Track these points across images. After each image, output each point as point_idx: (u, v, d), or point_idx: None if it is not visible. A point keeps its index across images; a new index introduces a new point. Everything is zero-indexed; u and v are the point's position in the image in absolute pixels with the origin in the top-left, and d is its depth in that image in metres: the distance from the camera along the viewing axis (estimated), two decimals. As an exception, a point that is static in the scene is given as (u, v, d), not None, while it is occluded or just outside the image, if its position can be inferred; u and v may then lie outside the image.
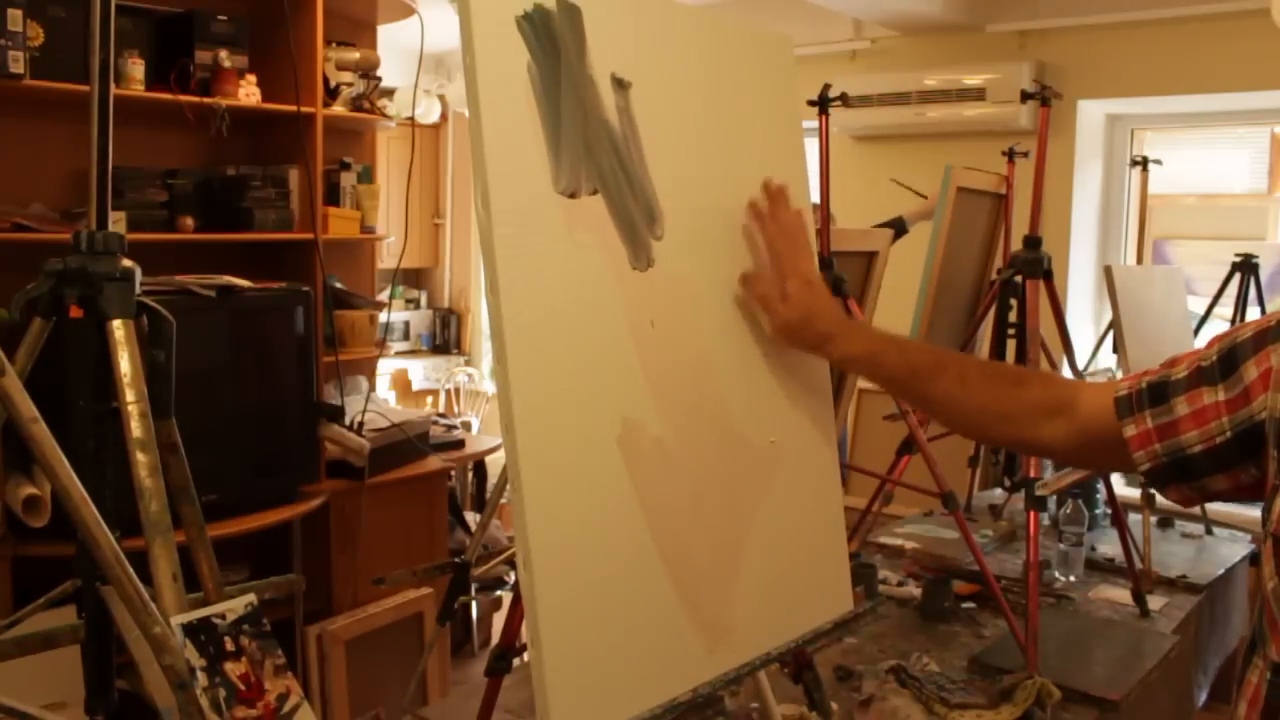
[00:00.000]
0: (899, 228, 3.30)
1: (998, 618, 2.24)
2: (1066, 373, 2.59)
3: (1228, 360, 1.01)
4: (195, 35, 3.00)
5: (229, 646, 1.25)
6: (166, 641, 1.14)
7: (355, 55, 3.40)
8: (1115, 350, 2.69)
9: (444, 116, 6.31)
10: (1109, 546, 2.75)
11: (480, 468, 4.92)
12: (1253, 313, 3.43)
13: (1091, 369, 3.06)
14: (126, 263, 1.33)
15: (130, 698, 1.52)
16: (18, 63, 2.53)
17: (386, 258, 4.55)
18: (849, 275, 2.20)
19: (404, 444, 3.50)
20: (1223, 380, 1.01)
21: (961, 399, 1.23)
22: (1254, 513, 3.22)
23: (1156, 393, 1.06)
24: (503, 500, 1.58)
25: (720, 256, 1.29)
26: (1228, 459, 1.02)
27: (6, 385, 1.12)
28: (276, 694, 1.26)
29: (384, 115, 3.52)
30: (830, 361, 1.34)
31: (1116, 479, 3.01)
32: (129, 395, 1.26)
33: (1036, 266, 2.22)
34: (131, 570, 1.14)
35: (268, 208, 3.15)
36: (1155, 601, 2.41)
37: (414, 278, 6.82)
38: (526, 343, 1.01)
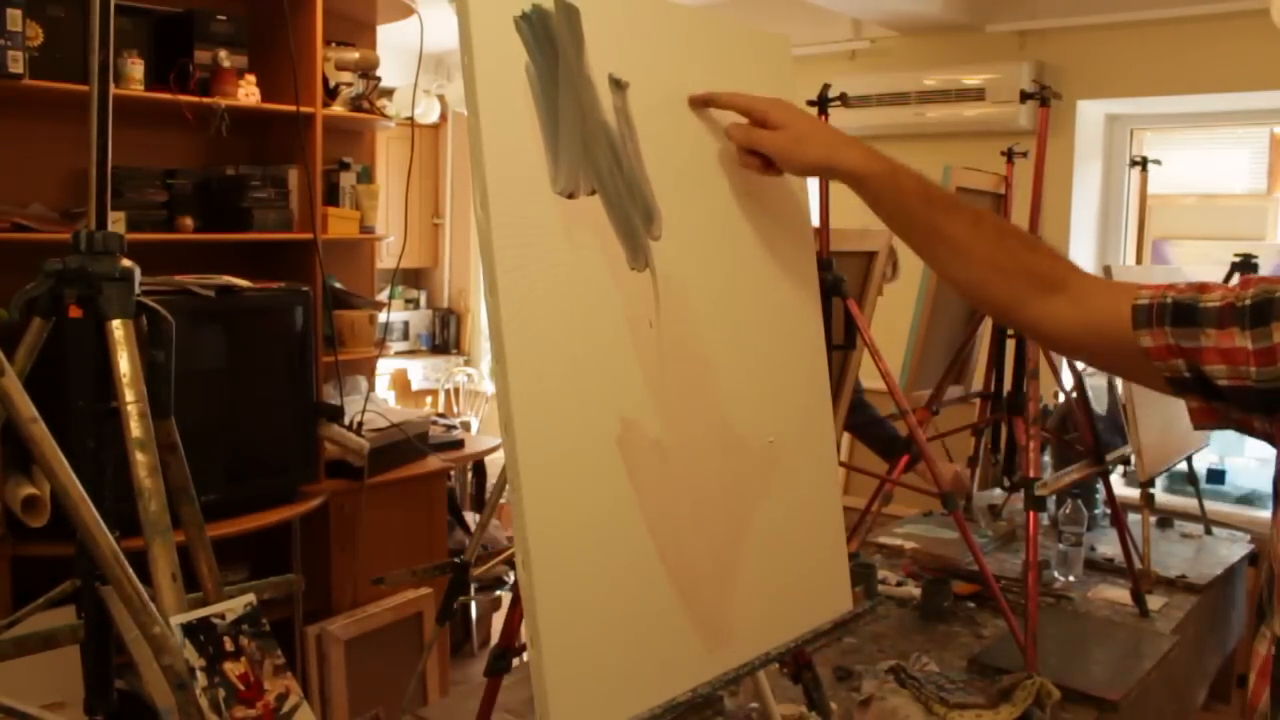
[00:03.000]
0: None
1: (997, 618, 2.24)
2: (1066, 374, 2.59)
3: (1260, 311, 0.97)
4: (194, 35, 3.00)
5: (228, 646, 1.25)
6: (166, 641, 1.14)
7: (355, 55, 3.40)
8: (1115, 350, 2.68)
9: (443, 116, 6.31)
10: (1108, 546, 2.75)
11: (480, 468, 4.92)
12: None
13: (1091, 369, 3.05)
14: (126, 263, 1.33)
15: (130, 698, 1.52)
16: (17, 63, 2.53)
17: (386, 258, 4.55)
18: (849, 275, 2.20)
19: (403, 444, 3.50)
20: (1251, 328, 0.97)
21: (971, 243, 1.16)
22: (1254, 513, 3.23)
23: (1183, 313, 1.02)
24: (502, 500, 1.58)
25: (719, 256, 1.29)
26: (1249, 401, 0.99)
27: (6, 385, 1.12)
28: (276, 694, 1.26)
29: (383, 115, 3.52)
30: (842, 177, 1.23)
31: (1116, 479, 3.01)
32: (128, 395, 1.26)
33: (1036, 266, 2.22)
34: (131, 570, 1.14)
35: (267, 208, 3.15)
36: (1154, 601, 2.42)
37: (413, 278, 6.82)
38: (525, 343, 1.01)
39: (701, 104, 1.26)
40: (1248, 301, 0.98)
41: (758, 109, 1.25)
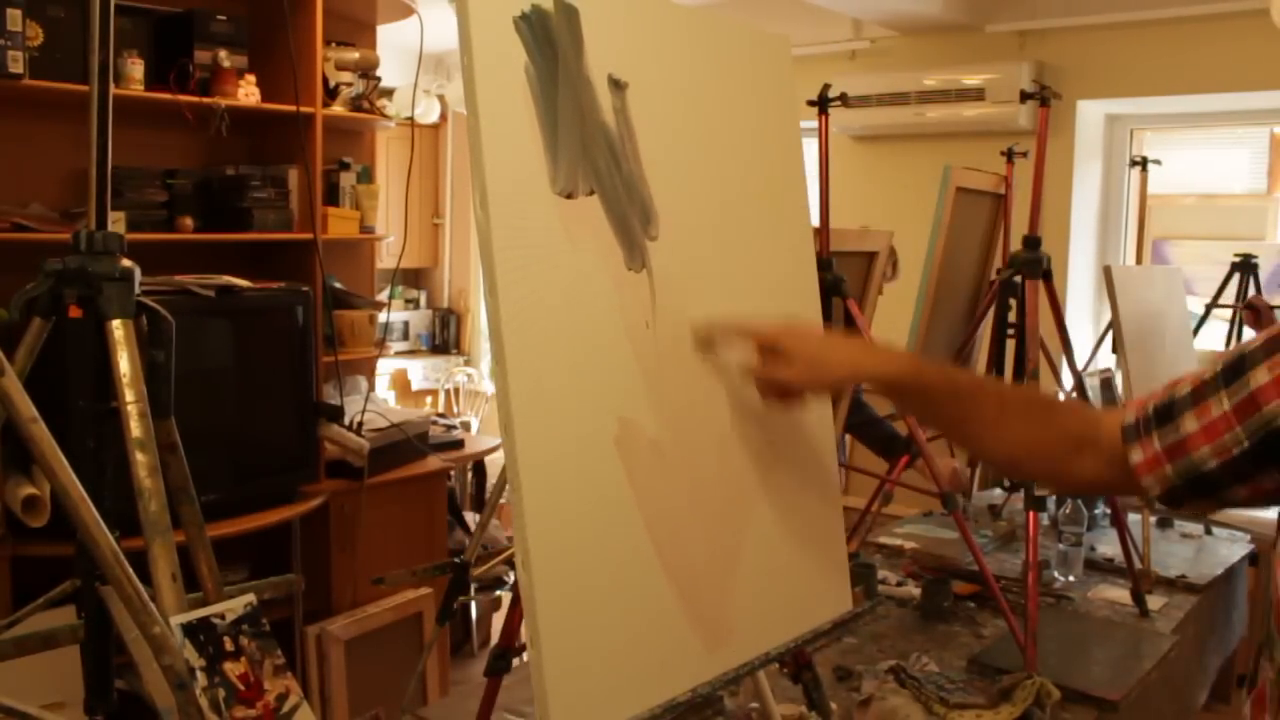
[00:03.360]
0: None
1: (997, 618, 2.24)
2: (1066, 374, 2.59)
3: (1233, 369, 0.97)
4: (194, 35, 3.00)
5: (228, 646, 1.25)
6: (166, 641, 1.15)
7: (355, 55, 3.40)
8: (1115, 350, 2.69)
9: (443, 116, 6.30)
10: (1108, 546, 2.75)
11: (479, 468, 4.92)
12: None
13: (1091, 369, 3.06)
14: (126, 263, 1.33)
15: (130, 698, 1.53)
16: (17, 63, 2.53)
17: (386, 258, 4.55)
18: (849, 275, 2.20)
19: (403, 444, 3.50)
20: (1225, 387, 0.97)
21: (1001, 426, 1.17)
22: (1254, 513, 3.22)
23: (1163, 413, 1.02)
24: (502, 500, 1.58)
25: (717, 257, 1.29)
26: (1245, 470, 0.97)
27: (6, 385, 1.12)
28: (276, 694, 1.26)
29: (383, 115, 3.52)
30: (870, 386, 1.27)
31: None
32: (128, 395, 1.26)
33: (1036, 267, 2.23)
34: (131, 570, 1.14)
35: (267, 208, 3.15)
36: (1154, 601, 2.42)
37: (413, 278, 6.82)
38: (524, 343, 1.01)
39: (706, 347, 1.24)
40: (1219, 368, 0.98)
41: (766, 339, 1.23)
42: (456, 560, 1.79)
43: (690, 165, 1.27)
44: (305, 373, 3.12)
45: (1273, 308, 3.33)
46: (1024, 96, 2.40)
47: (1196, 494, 1.02)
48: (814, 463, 1.42)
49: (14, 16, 2.53)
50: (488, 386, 6.46)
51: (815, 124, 2.24)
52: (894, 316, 2.73)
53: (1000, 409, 1.18)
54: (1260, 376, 0.95)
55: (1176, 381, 1.04)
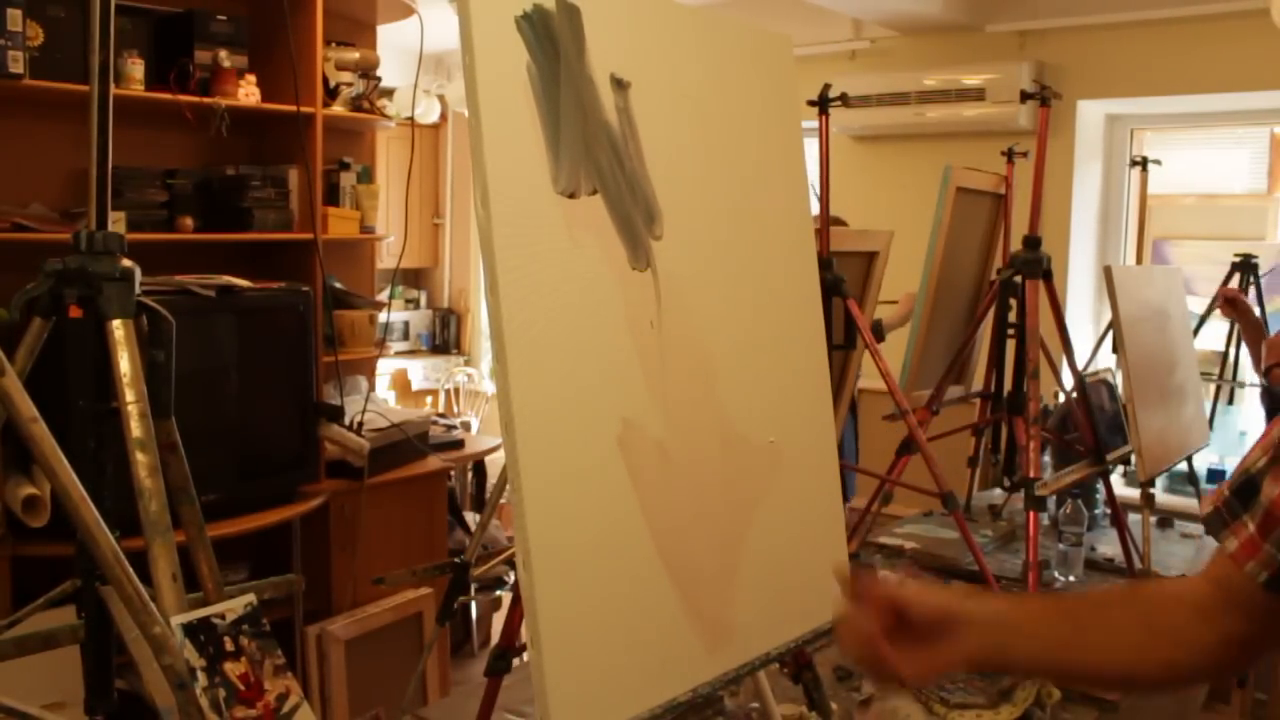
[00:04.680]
0: (876, 333, 3.21)
1: (997, 618, 2.24)
2: (1066, 373, 2.59)
3: None
4: (195, 35, 3.00)
5: (228, 646, 1.25)
6: (166, 641, 1.15)
7: (355, 55, 3.40)
8: (1115, 350, 2.69)
9: (444, 116, 6.30)
10: (1108, 546, 2.75)
11: (480, 468, 4.92)
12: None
13: (1091, 369, 3.06)
14: (126, 263, 1.33)
15: (130, 698, 1.53)
16: (17, 63, 2.53)
17: (386, 258, 4.55)
18: (849, 275, 2.20)
19: (403, 444, 3.50)
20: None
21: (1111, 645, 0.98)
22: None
23: (1244, 488, 0.93)
24: (502, 500, 1.58)
25: (720, 257, 1.29)
26: None
27: (6, 385, 1.12)
28: (276, 694, 1.26)
29: (383, 115, 3.52)
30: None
31: (1116, 479, 3.01)
32: (129, 395, 1.26)
33: (1036, 267, 2.23)
34: (131, 570, 1.14)
35: (267, 208, 3.15)
36: (1155, 601, 2.41)
37: (414, 278, 6.82)
38: (526, 343, 1.01)
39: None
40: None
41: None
42: (456, 560, 1.79)
43: (693, 164, 1.27)
44: (305, 373, 3.12)
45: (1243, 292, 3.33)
46: (1024, 96, 2.40)
47: None
48: (815, 463, 1.42)
49: (14, 16, 2.52)
50: (488, 386, 6.46)
51: (815, 124, 2.24)
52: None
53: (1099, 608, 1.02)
54: None
55: (1246, 457, 0.96)
